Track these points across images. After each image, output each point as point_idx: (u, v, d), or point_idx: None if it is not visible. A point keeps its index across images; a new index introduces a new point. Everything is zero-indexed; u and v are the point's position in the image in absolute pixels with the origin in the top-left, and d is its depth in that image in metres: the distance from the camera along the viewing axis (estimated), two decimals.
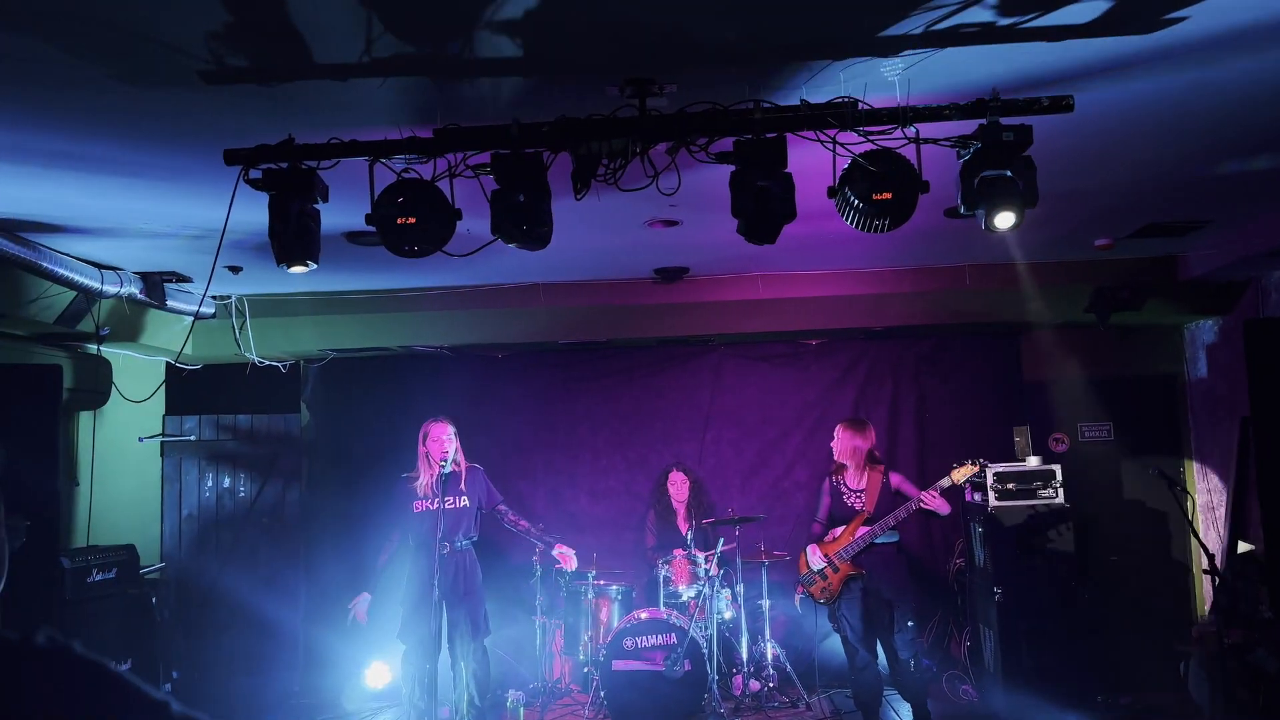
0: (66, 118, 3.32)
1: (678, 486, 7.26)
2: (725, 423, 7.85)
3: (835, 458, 6.01)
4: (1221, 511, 6.78)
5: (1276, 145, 4.05)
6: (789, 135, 3.25)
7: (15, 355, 5.80)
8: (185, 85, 3.04)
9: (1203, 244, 5.98)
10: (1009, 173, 3.25)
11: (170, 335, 6.55)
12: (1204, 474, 7.14)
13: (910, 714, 5.94)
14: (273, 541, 7.47)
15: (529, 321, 6.88)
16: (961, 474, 5.77)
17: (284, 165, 3.37)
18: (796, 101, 3.20)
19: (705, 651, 6.07)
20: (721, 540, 6.47)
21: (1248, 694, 5.23)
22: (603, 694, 6.11)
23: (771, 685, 6.61)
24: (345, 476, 7.64)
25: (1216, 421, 6.93)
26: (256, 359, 6.95)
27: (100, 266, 5.41)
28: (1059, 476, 6.26)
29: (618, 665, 6.06)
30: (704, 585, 6.35)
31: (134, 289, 5.67)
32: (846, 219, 3.40)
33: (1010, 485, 6.26)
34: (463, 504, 5.81)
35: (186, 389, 7.41)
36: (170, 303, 6.04)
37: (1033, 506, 6.23)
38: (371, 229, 3.44)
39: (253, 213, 3.60)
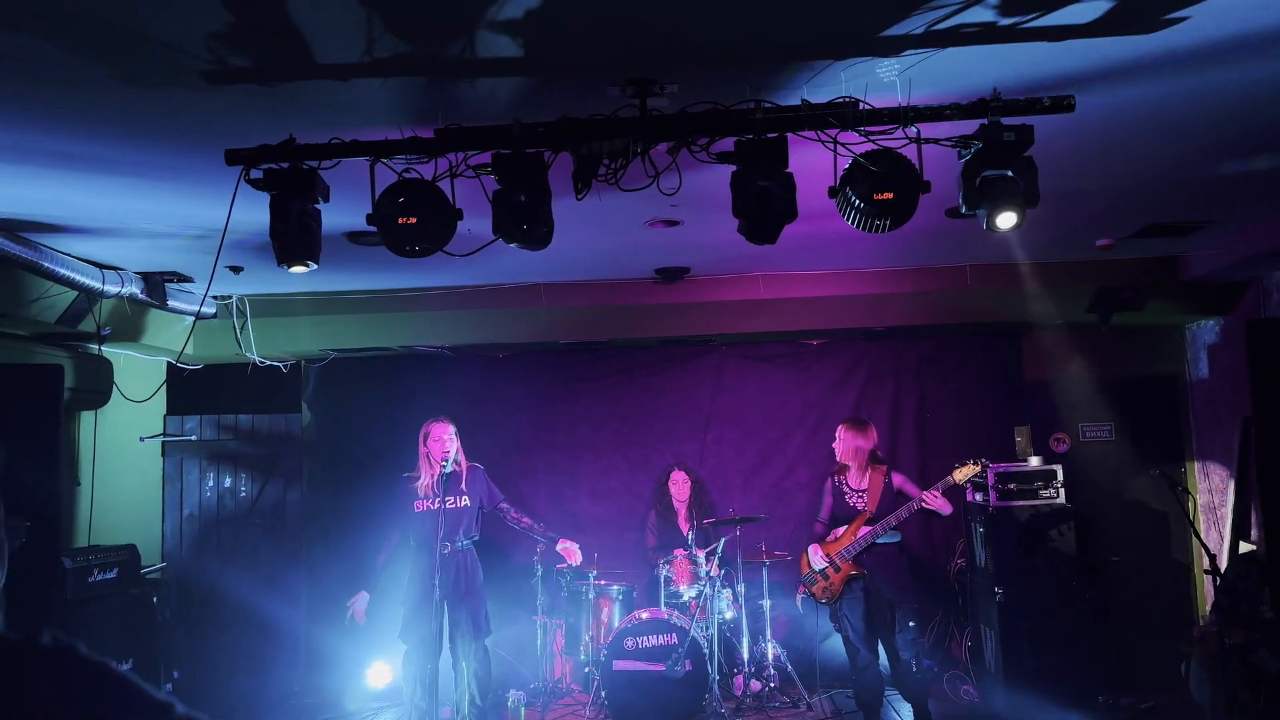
0: (68, 117, 3.32)
1: (679, 486, 7.27)
2: (726, 423, 7.85)
3: (838, 458, 6.01)
4: (1223, 512, 6.77)
5: (1278, 145, 4.04)
6: (790, 135, 3.25)
7: (16, 355, 5.80)
8: (186, 85, 3.04)
9: (1204, 244, 5.97)
10: (1010, 173, 3.24)
11: (171, 335, 6.55)
12: (1205, 474, 7.14)
13: (911, 714, 5.94)
14: (274, 541, 7.47)
15: (530, 321, 6.88)
16: (963, 474, 5.77)
17: (285, 165, 3.37)
18: (798, 101, 3.20)
19: (706, 651, 6.07)
20: (723, 540, 6.47)
21: (1249, 694, 5.23)
22: (604, 694, 6.11)
23: (772, 685, 6.61)
24: (346, 476, 7.65)
25: (1218, 422, 6.93)
26: (257, 359, 6.95)
27: (101, 266, 5.41)
28: (1060, 477, 6.26)
29: (619, 665, 6.06)
30: (705, 585, 6.35)
31: (135, 289, 5.68)
32: (848, 219, 3.39)
33: (1011, 485, 6.26)
34: (464, 503, 5.81)
35: (187, 389, 7.42)
36: (171, 303, 6.04)
37: (1034, 507, 6.23)
38: (373, 229, 3.44)
39: (254, 213, 3.61)
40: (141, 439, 7.17)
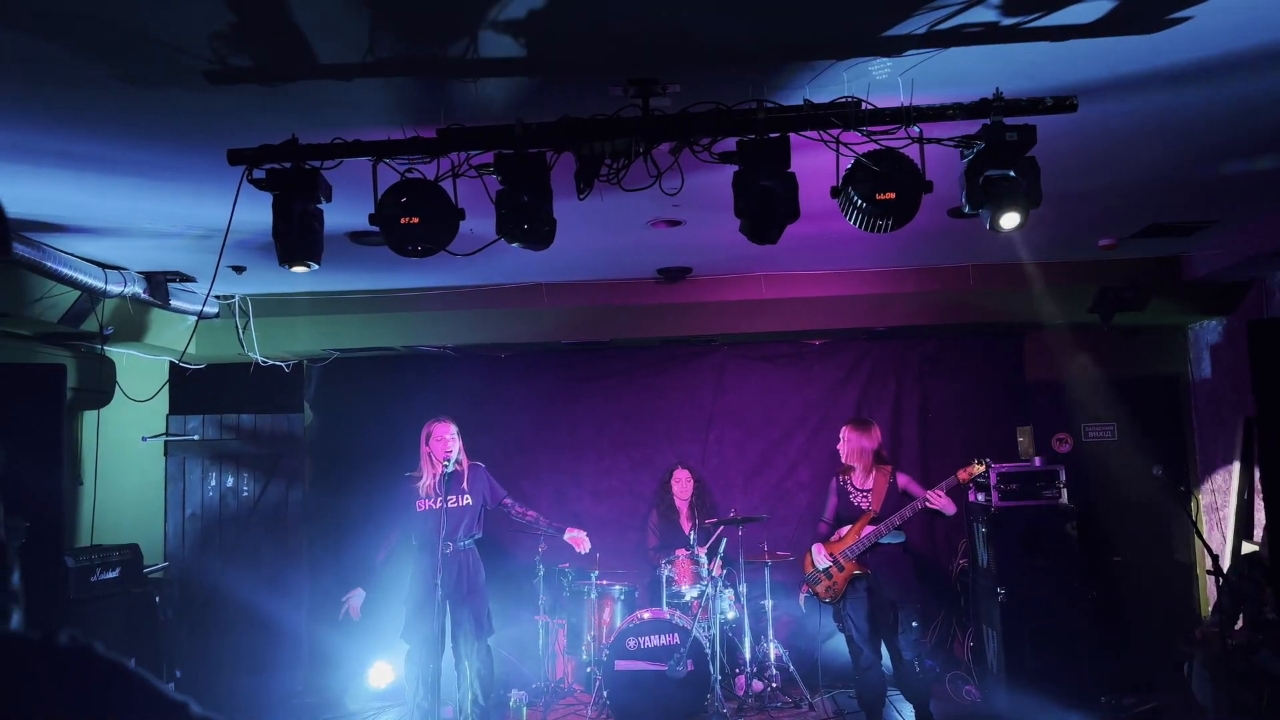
0: (70, 117, 3.33)
1: (682, 484, 7.27)
2: (728, 423, 7.85)
3: (843, 459, 6.01)
4: (1225, 512, 6.77)
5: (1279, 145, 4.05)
6: (792, 136, 3.25)
7: (19, 355, 5.81)
8: (189, 85, 3.05)
9: (1207, 244, 5.97)
10: (1013, 173, 3.24)
11: (174, 335, 6.56)
12: (1208, 474, 7.13)
13: (913, 715, 5.93)
14: (276, 541, 7.48)
15: (532, 321, 6.88)
16: (968, 474, 5.78)
17: (287, 165, 3.37)
18: (800, 101, 3.20)
19: (708, 652, 6.07)
20: (725, 540, 6.47)
21: (1251, 695, 5.22)
22: (605, 694, 6.11)
23: (774, 685, 6.61)
24: (348, 476, 7.65)
25: (1220, 422, 6.92)
26: (260, 359, 6.96)
27: (104, 266, 5.42)
28: (1062, 477, 6.25)
29: (620, 665, 6.06)
30: (707, 585, 6.35)
31: (138, 288, 5.68)
32: (850, 219, 3.39)
33: (1014, 486, 6.25)
34: (465, 502, 5.81)
35: (190, 388, 7.42)
36: (174, 302, 6.05)
37: (1036, 507, 6.22)
38: (375, 229, 3.44)
39: (256, 212, 3.61)
40: (144, 438, 7.18)
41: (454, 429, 5.84)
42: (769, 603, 6.71)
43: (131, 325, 6.15)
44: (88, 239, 5.00)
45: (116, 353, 6.51)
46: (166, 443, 7.47)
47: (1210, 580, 6.62)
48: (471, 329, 6.94)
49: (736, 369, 7.87)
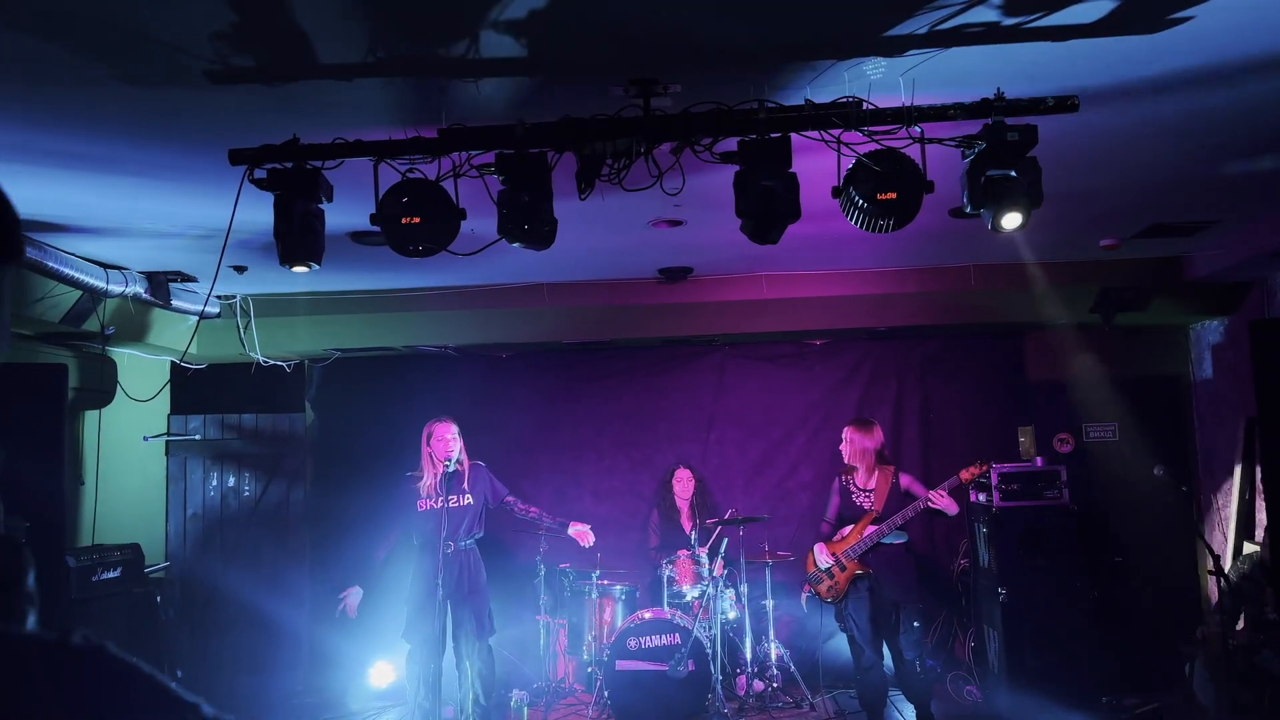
0: (72, 117, 3.33)
1: (683, 484, 7.27)
2: (729, 423, 7.85)
3: (845, 460, 6.00)
4: (1227, 512, 6.76)
5: None
6: (794, 136, 3.25)
7: (21, 355, 5.81)
8: (190, 85, 3.05)
9: (1208, 244, 5.97)
10: (1014, 173, 3.24)
11: (175, 335, 6.56)
12: (1209, 475, 7.13)
13: (914, 715, 5.93)
14: (277, 541, 7.48)
15: (533, 321, 6.88)
16: (970, 474, 5.78)
17: (289, 165, 3.37)
18: (801, 101, 3.20)
19: (709, 652, 6.07)
20: (726, 540, 6.47)
21: (1253, 695, 5.22)
22: (606, 694, 6.11)
23: (775, 686, 6.61)
24: (349, 476, 7.64)
25: (1222, 422, 6.92)
26: (261, 358, 6.96)
27: (105, 266, 5.42)
28: (1064, 477, 6.25)
29: (621, 665, 6.06)
30: (708, 585, 6.34)
31: (139, 288, 5.68)
32: (851, 219, 3.39)
33: (1015, 486, 6.24)
34: (466, 502, 5.82)
35: (191, 388, 7.43)
36: (175, 302, 6.05)
37: (1037, 507, 6.22)
38: (376, 229, 3.45)
39: (258, 212, 3.61)
40: (145, 438, 7.18)
41: (455, 429, 5.84)
42: (770, 603, 6.70)
43: (133, 325, 6.15)
44: (89, 239, 5.00)
45: (118, 352, 6.52)
46: (168, 442, 7.47)
47: (1211, 580, 6.61)
48: (473, 329, 6.94)
49: (738, 369, 7.87)
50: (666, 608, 6.39)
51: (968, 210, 3.37)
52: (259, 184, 3.38)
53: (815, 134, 3.21)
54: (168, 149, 3.67)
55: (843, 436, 6.06)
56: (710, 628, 6.25)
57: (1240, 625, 5.61)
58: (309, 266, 3.54)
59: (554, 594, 6.96)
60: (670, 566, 6.61)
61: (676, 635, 6.07)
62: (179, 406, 7.49)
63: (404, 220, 3.40)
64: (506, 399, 7.80)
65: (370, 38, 2.78)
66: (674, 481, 7.30)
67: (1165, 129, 3.77)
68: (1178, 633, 6.72)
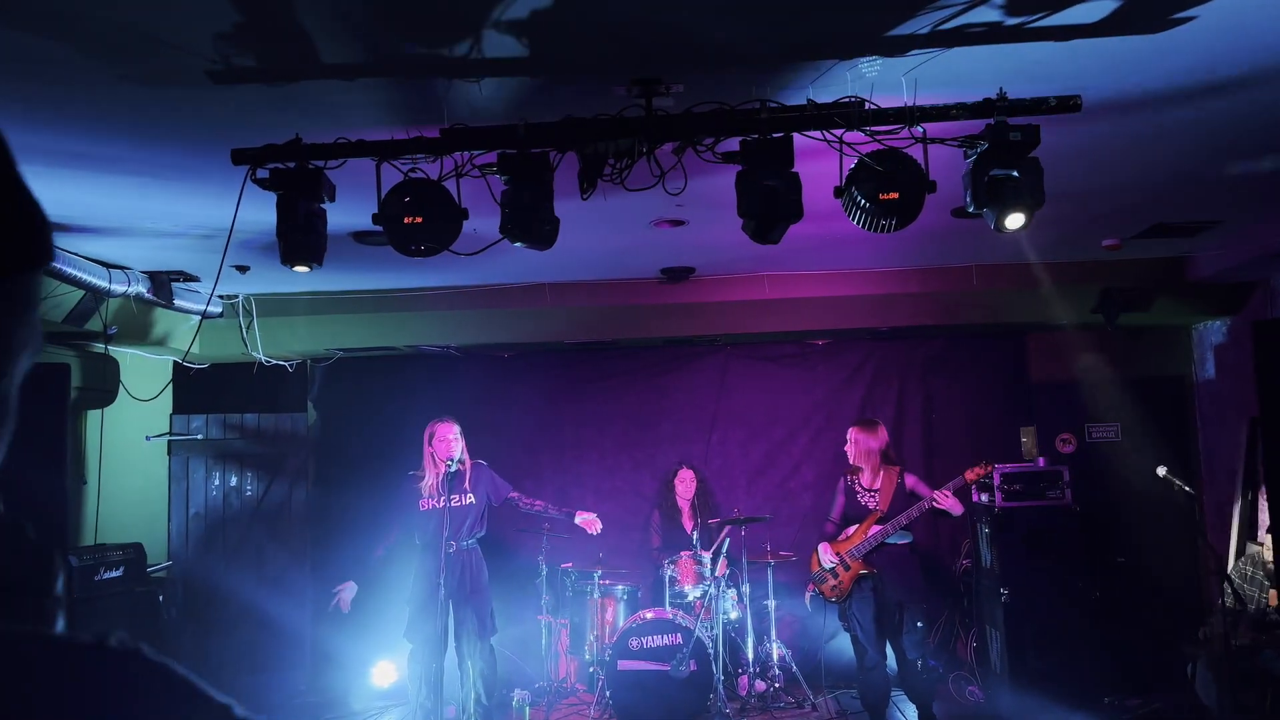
0: (75, 117, 3.33)
1: (685, 484, 7.27)
2: (731, 423, 7.85)
3: (850, 460, 5.99)
4: (1229, 513, 6.75)
5: None
6: (796, 138, 3.25)
7: None
8: (193, 85, 3.05)
9: (1211, 244, 5.96)
10: (1016, 173, 3.24)
11: (178, 334, 6.57)
12: (1211, 475, 7.12)
13: (916, 716, 5.93)
14: (279, 540, 7.49)
15: (535, 321, 6.88)
16: (975, 475, 5.78)
17: (291, 165, 3.38)
18: (803, 101, 3.20)
19: (711, 652, 6.07)
20: (728, 540, 6.46)
21: (1256, 696, 5.21)
22: (608, 694, 6.11)
23: (777, 686, 6.61)
24: (352, 476, 7.65)
25: (1224, 422, 6.91)
26: (263, 358, 6.97)
27: (108, 266, 5.43)
28: (1066, 477, 6.24)
29: (623, 665, 6.06)
30: (710, 585, 6.34)
31: (141, 288, 5.69)
32: (853, 219, 3.39)
33: (1017, 486, 6.24)
34: (468, 501, 5.82)
35: (194, 388, 7.43)
36: (178, 302, 6.06)
37: (1040, 507, 6.21)
38: (379, 229, 3.45)
39: (260, 212, 3.61)
40: (148, 438, 7.18)
41: (457, 429, 5.85)
42: (772, 603, 6.70)
43: (135, 325, 6.16)
44: (92, 239, 5.01)
45: (120, 352, 6.52)
46: (170, 442, 7.48)
47: (1214, 581, 6.61)
48: (475, 329, 6.94)
49: (740, 369, 7.87)
50: (668, 608, 6.39)
51: (971, 210, 3.37)
52: (261, 184, 3.39)
53: (817, 134, 3.21)
54: (170, 149, 3.67)
55: (848, 437, 6.05)
56: (712, 628, 6.24)
57: (1243, 626, 5.60)
58: (310, 266, 3.54)
59: (556, 594, 6.96)
60: (672, 566, 6.61)
61: (678, 635, 6.07)
62: (181, 406, 7.49)
63: (406, 220, 3.41)
64: (509, 399, 7.80)
65: (372, 38, 2.78)
66: (677, 482, 7.30)
67: (1167, 129, 3.77)
68: (1180, 633, 6.71)
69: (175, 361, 7.20)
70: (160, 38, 2.72)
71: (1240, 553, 6.40)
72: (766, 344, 7.78)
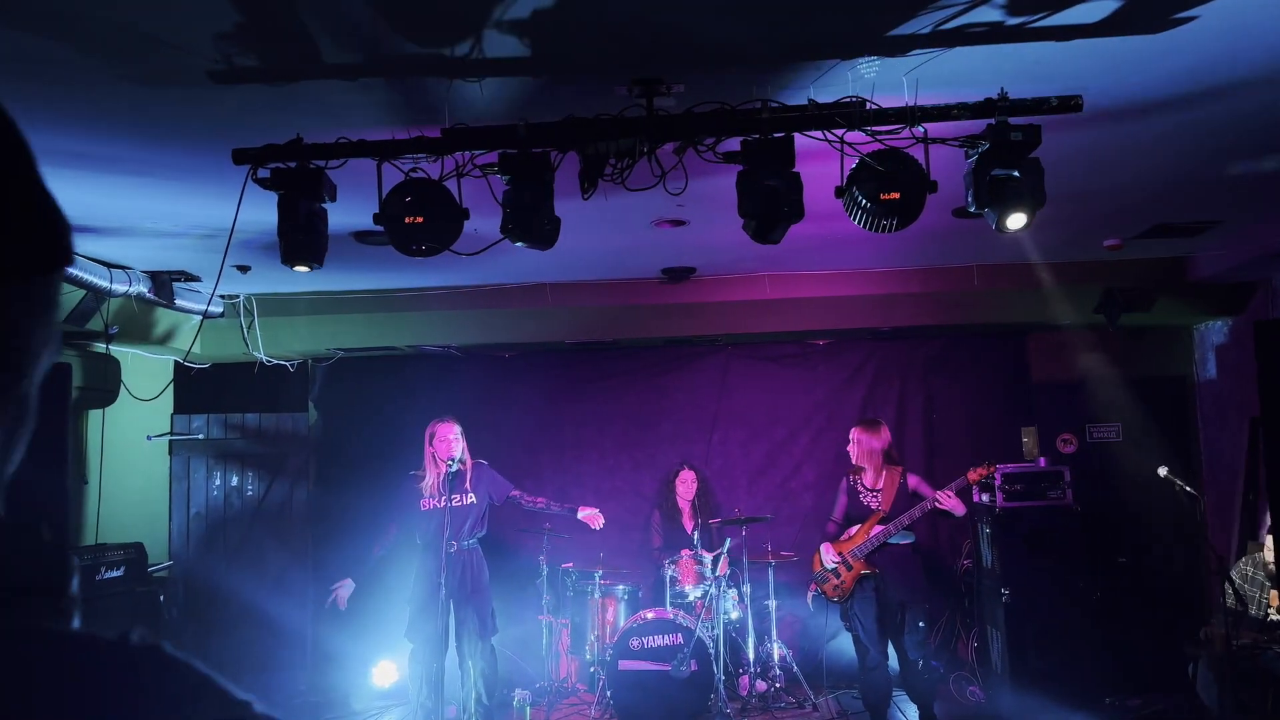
0: (75, 117, 3.33)
1: (687, 485, 7.27)
2: (732, 423, 7.85)
3: (854, 460, 5.99)
4: (1231, 513, 6.75)
5: None
6: (797, 139, 3.24)
7: None
8: (194, 85, 3.05)
9: (1212, 245, 5.96)
10: (1017, 173, 3.24)
11: (179, 334, 6.57)
12: (1213, 475, 7.11)
13: (917, 716, 5.92)
14: (280, 540, 7.49)
15: (536, 321, 6.88)
16: (978, 475, 5.78)
17: (292, 165, 3.38)
18: (804, 101, 3.20)
19: (712, 652, 6.07)
20: (729, 540, 6.46)
21: (1257, 697, 5.21)
22: (609, 694, 6.11)
23: (778, 686, 6.60)
24: (352, 475, 7.65)
25: (1225, 422, 6.91)
26: (264, 358, 6.97)
27: (109, 265, 5.43)
28: (1067, 478, 6.24)
29: (624, 665, 6.06)
30: (710, 585, 6.34)
31: (143, 288, 5.69)
32: (854, 219, 3.39)
33: (1018, 486, 6.24)
34: (469, 501, 5.82)
35: (195, 388, 7.43)
36: (179, 302, 6.06)
37: (1041, 508, 6.21)
38: (380, 229, 3.45)
39: (261, 212, 3.62)
40: (149, 438, 7.19)
41: (458, 429, 5.85)
42: (773, 603, 6.70)
43: (136, 324, 6.16)
44: (93, 238, 5.01)
45: (121, 352, 6.53)
46: (171, 442, 7.48)
47: (1216, 581, 6.60)
48: (476, 329, 6.95)
49: (741, 369, 7.86)
50: (669, 608, 6.39)
51: (972, 210, 3.36)
52: (262, 183, 3.39)
53: (818, 134, 3.21)
54: (171, 149, 3.67)
55: (850, 437, 6.04)
56: (713, 628, 6.24)
57: (1244, 626, 5.59)
58: (311, 266, 3.54)
59: (556, 594, 6.96)
60: (673, 566, 6.61)
61: (679, 635, 6.07)
62: (182, 406, 7.50)
63: (407, 220, 3.41)
64: (509, 399, 7.80)
65: (374, 38, 2.78)
66: (678, 483, 7.29)
67: (1169, 129, 3.76)
68: (1181, 633, 6.70)
69: (176, 361, 7.20)
70: (160, 38, 2.72)
71: (1241, 553, 6.40)
72: (767, 344, 7.77)
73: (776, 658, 6.63)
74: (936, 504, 5.65)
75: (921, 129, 3.19)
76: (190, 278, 6.06)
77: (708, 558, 6.47)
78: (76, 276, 5.09)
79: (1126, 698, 6.22)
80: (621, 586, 6.78)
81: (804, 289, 6.72)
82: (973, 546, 6.90)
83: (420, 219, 3.40)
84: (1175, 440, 7.26)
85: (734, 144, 3.30)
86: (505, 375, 7.86)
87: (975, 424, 7.55)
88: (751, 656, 6.55)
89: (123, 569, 5.90)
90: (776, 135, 3.23)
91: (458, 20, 2.70)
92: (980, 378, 7.67)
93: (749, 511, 6.91)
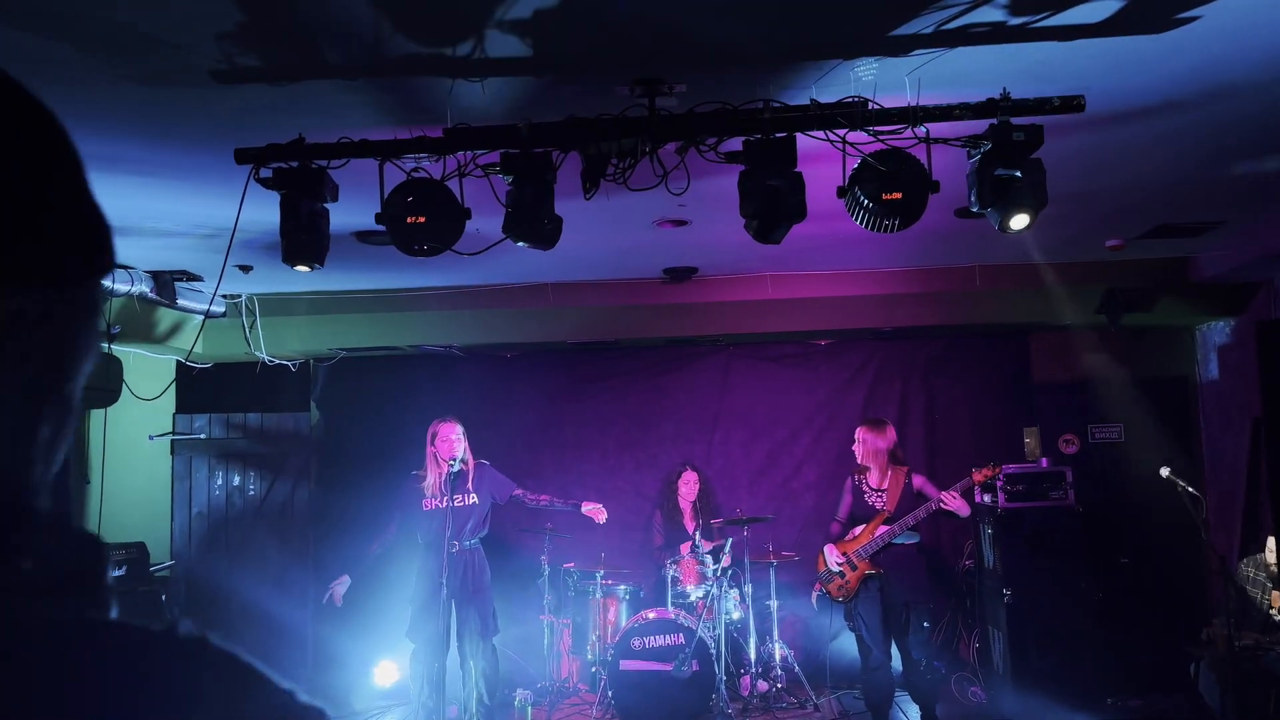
0: (78, 117, 3.33)
1: (689, 485, 7.26)
2: (734, 423, 7.84)
3: (859, 460, 5.98)
4: (1233, 513, 6.74)
5: None
6: (799, 137, 3.24)
7: None
8: (196, 85, 3.05)
9: (1214, 245, 5.95)
10: (1019, 173, 3.24)
11: (181, 334, 6.57)
12: (1215, 476, 7.11)
13: (919, 717, 5.92)
14: (282, 540, 7.49)
15: (538, 321, 6.88)
16: (983, 475, 5.78)
17: (294, 164, 3.38)
18: (806, 101, 3.20)
19: (713, 652, 6.06)
20: (730, 540, 6.46)
21: (1259, 697, 5.20)
22: (610, 694, 6.11)
23: (780, 686, 6.60)
24: (354, 475, 7.65)
25: (1228, 423, 6.90)
26: (266, 358, 6.97)
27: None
28: (1069, 478, 6.23)
29: (625, 665, 6.05)
30: (712, 585, 6.34)
31: (145, 288, 5.69)
32: (856, 219, 3.39)
33: (1020, 487, 6.23)
34: (471, 501, 5.82)
35: (197, 387, 7.43)
36: (181, 301, 6.06)
37: (1043, 508, 6.20)
38: (382, 228, 3.45)
39: (263, 212, 3.62)
40: (151, 437, 7.19)
41: (459, 429, 5.85)
42: (774, 603, 6.70)
43: (139, 324, 6.16)
44: None
45: (124, 351, 6.53)
46: (173, 441, 7.48)
47: (1218, 581, 6.60)
48: (477, 329, 6.95)
49: (742, 369, 7.86)
50: (671, 608, 6.39)
51: (974, 210, 3.36)
52: (264, 183, 3.39)
53: (820, 134, 3.21)
54: (173, 148, 3.67)
55: (855, 436, 6.04)
56: (714, 628, 6.24)
57: (1246, 627, 5.59)
58: (313, 266, 3.54)
59: (558, 593, 6.96)
60: (674, 566, 6.61)
61: (681, 635, 6.07)
62: (184, 405, 7.50)
63: (409, 220, 3.40)
64: (511, 399, 7.80)
65: (376, 38, 2.78)
66: (680, 483, 7.28)
67: (1171, 129, 3.76)
68: (1183, 634, 6.70)
69: (178, 361, 7.20)
70: (161, 38, 2.72)
71: (1243, 553, 6.39)
72: (769, 344, 7.77)
73: (778, 658, 6.63)
74: (941, 505, 5.64)
75: (924, 129, 3.19)
76: (192, 277, 6.06)
77: (709, 557, 6.46)
78: None
79: (1128, 698, 6.22)
80: (623, 586, 6.78)
81: (806, 289, 6.72)
82: (974, 547, 6.89)
83: (422, 219, 3.40)
84: (1177, 441, 7.26)
85: (736, 144, 3.30)
86: (507, 375, 7.86)
87: (977, 424, 7.54)
88: (753, 656, 6.55)
89: (124, 568, 5.91)
90: (778, 135, 3.23)
91: (460, 20, 2.70)
92: (982, 378, 7.66)
93: (750, 511, 6.91)
